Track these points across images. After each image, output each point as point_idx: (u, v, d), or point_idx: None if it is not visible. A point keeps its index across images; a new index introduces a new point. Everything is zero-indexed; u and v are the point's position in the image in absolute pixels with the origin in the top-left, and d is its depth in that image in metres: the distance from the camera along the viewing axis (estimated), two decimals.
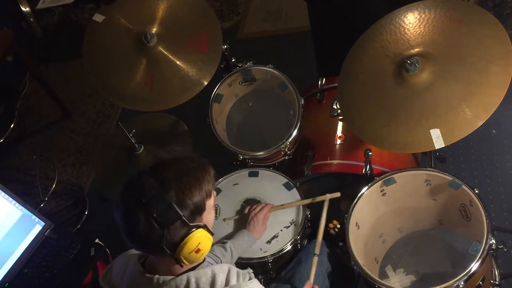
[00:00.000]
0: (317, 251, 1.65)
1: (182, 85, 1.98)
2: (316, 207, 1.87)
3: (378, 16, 1.80)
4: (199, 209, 1.13)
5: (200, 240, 1.12)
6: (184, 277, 1.14)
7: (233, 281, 1.15)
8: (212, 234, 1.17)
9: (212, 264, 1.26)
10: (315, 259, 1.63)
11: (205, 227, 1.15)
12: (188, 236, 1.10)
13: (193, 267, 1.20)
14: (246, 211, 1.80)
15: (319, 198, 1.80)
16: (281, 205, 1.82)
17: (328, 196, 1.79)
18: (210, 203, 1.18)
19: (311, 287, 1.55)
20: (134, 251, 1.30)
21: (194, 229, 1.11)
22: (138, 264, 1.21)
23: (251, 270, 1.21)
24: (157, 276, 1.16)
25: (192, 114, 2.12)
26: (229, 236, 1.73)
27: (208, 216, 1.19)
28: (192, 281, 1.13)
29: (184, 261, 1.12)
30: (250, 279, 1.18)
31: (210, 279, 1.14)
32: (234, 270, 1.18)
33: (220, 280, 1.14)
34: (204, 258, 1.23)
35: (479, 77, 1.54)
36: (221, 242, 1.67)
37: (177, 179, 1.11)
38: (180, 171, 1.13)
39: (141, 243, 1.13)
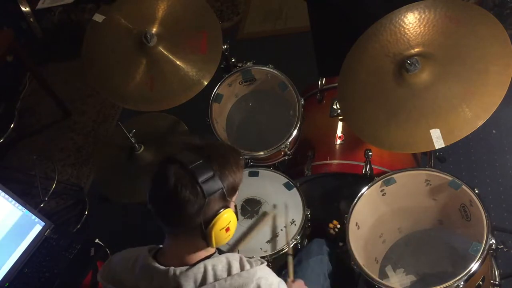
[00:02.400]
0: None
1: (182, 85, 1.98)
2: (316, 207, 1.87)
3: (378, 16, 1.80)
4: (235, 188, 1.18)
5: (231, 218, 1.15)
6: (201, 265, 1.14)
7: (247, 266, 1.16)
8: (237, 218, 1.20)
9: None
10: (290, 258, 1.64)
11: (235, 207, 1.19)
12: (223, 211, 1.13)
13: (208, 256, 1.19)
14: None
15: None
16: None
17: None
18: (239, 188, 1.21)
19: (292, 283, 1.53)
20: (139, 248, 1.27)
21: (227, 206, 1.15)
22: (150, 257, 1.19)
23: (260, 258, 1.22)
24: (172, 267, 1.15)
25: (192, 114, 2.12)
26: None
27: (233, 203, 1.22)
28: (209, 268, 1.14)
29: (213, 239, 1.14)
30: (262, 263, 1.20)
31: (226, 266, 1.15)
32: (244, 257, 1.20)
33: (235, 266, 1.15)
34: (216, 250, 1.24)
35: (479, 77, 1.54)
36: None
37: (221, 155, 1.16)
38: (218, 150, 1.19)
39: (179, 212, 1.11)
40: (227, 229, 1.15)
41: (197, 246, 1.18)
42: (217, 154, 1.16)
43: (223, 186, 1.12)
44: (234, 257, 1.18)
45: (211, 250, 1.21)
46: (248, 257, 1.21)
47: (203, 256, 1.19)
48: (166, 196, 1.11)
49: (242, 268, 1.15)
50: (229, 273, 1.14)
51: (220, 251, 1.28)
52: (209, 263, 1.15)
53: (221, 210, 1.14)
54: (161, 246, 1.23)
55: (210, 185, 1.10)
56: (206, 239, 1.15)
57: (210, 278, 1.12)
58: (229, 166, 1.15)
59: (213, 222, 1.12)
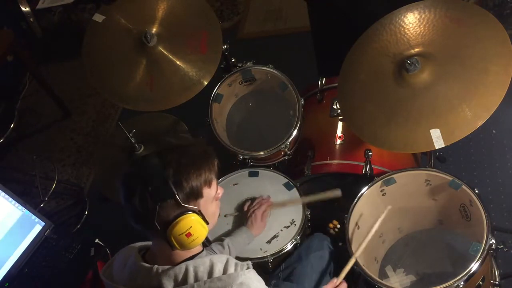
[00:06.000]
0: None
1: (182, 85, 1.98)
2: (316, 207, 1.87)
3: (378, 16, 1.80)
4: (195, 194, 1.16)
5: (192, 224, 1.14)
6: (182, 266, 1.15)
7: (231, 269, 1.16)
8: (207, 223, 1.18)
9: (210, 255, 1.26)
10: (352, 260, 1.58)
11: (199, 213, 1.17)
12: (180, 217, 1.13)
13: (192, 257, 1.20)
14: (246, 207, 1.80)
15: (320, 196, 1.79)
16: (282, 203, 1.82)
17: (330, 194, 1.77)
18: (209, 192, 1.19)
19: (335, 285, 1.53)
20: (134, 245, 1.30)
21: (187, 212, 1.14)
22: (139, 256, 1.23)
23: (250, 262, 1.22)
24: (156, 266, 1.17)
25: (192, 114, 2.12)
26: (228, 234, 1.74)
27: (208, 207, 1.20)
28: (191, 269, 1.14)
29: (175, 243, 1.14)
30: (248, 268, 1.19)
31: (208, 268, 1.15)
32: (233, 260, 1.20)
33: (218, 269, 1.15)
34: (203, 249, 1.25)
35: (479, 77, 1.54)
36: (219, 239, 1.67)
37: (178, 160, 1.15)
38: (183, 154, 1.17)
39: (136, 217, 1.15)
40: (188, 234, 1.14)
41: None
42: (179, 160, 1.15)
43: (175, 192, 1.12)
44: (219, 259, 1.18)
45: (195, 250, 1.22)
46: (241, 260, 1.21)
47: (187, 256, 1.20)
48: (124, 201, 1.16)
49: (225, 271, 1.15)
50: (210, 275, 1.14)
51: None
52: (191, 264, 1.16)
53: (184, 214, 1.14)
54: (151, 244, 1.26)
55: (161, 192, 1.11)
56: (169, 244, 1.15)
57: (191, 279, 1.14)
58: (185, 173, 1.14)
59: (171, 226, 1.13)
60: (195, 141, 1.28)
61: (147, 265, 1.18)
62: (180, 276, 1.14)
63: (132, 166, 1.19)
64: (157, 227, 1.13)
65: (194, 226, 1.14)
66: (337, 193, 1.77)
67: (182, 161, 1.15)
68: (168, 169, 1.13)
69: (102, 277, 1.29)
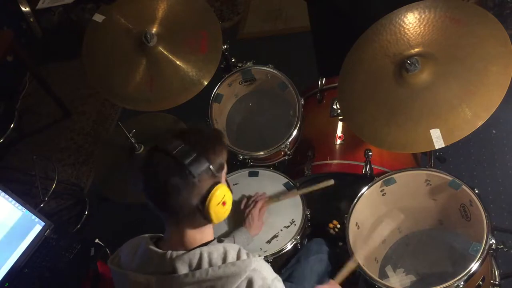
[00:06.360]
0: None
1: (182, 85, 1.98)
2: (316, 207, 1.87)
3: (378, 16, 1.80)
4: (222, 166, 1.20)
5: (225, 192, 1.18)
6: (197, 251, 1.16)
7: (244, 256, 1.18)
8: (231, 191, 1.23)
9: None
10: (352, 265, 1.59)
11: (226, 182, 1.22)
12: (216, 187, 1.16)
13: (205, 243, 1.21)
14: (242, 206, 1.81)
15: (314, 187, 1.80)
16: (277, 197, 1.82)
17: (324, 184, 1.79)
18: (225, 167, 1.23)
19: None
20: (144, 235, 1.30)
21: (218, 182, 1.18)
22: (151, 243, 1.23)
23: (259, 254, 1.23)
24: (170, 251, 1.17)
25: (192, 114, 2.12)
26: (227, 234, 1.74)
27: (223, 181, 1.23)
28: (205, 255, 1.15)
29: (212, 215, 1.16)
30: (259, 256, 1.21)
31: (222, 254, 1.16)
32: (244, 249, 1.21)
33: (231, 256, 1.17)
34: (215, 238, 1.26)
35: (479, 77, 1.54)
36: (219, 240, 1.67)
37: (203, 137, 1.19)
38: (205, 133, 1.22)
39: (174, 200, 1.14)
40: (224, 203, 1.18)
41: (195, 233, 1.21)
42: (199, 137, 1.19)
43: (209, 163, 1.15)
44: (232, 247, 1.19)
45: (209, 237, 1.24)
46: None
47: (201, 242, 1.21)
48: (158, 188, 1.15)
49: (238, 258, 1.17)
50: (224, 261, 1.15)
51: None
52: (205, 250, 1.17)
53: (218, 183, 1.17)
54: (162, 235, 1.26)
55: (196, 166, 1.13)
56: (207, 218, 1.18)
57: (205, 264, 1.14)
58: (211, 146, 1.18)
59: (208, 199, 1.15)
60: (197, 125, 1.29)
61: (160, 250, 1.19)
62: (194, 261, 1.15)
63: (153, 150, 1.18)
64: (196, 203, 1.14)
65: (227, 194, 1.19)
66: (330, 182, 1.78)
67: (205, 137, 1.20)
68: (195, 146, 1.15)
69: (110, 265, 1.29)
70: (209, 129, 1.29)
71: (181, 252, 1.17)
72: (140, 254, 1.23)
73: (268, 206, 1.81)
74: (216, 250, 1.17)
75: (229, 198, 1.20)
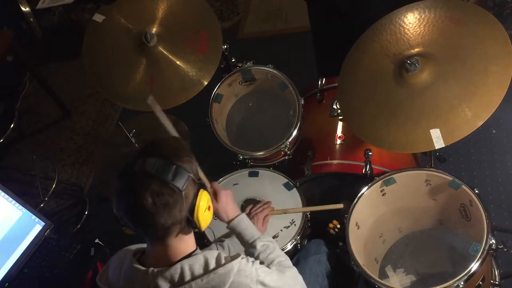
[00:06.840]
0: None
1: (182, 85, 1.98)
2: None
3: (378, 16, 1.80)
4: (197, 170, 1.21)
5: (207, 196, 1.20)
6: (177, 266, 1.16)
7: (223, 261, 1.18)
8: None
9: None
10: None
11: (203, 186, 1.22)
12: (199, 194, 1.17)
13: (187, 255, 1.20)
14: (247, 210, 1.80)
15: (324, 207, 1.80)
16: (284, 210, 1.82)
17: (333, 206, 1.80)
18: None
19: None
20: (129, 248, 1.30)
21: (199, 188, 1.18)
22: (134, 259, 1.23)
23: (242, 254, 1.24)
24: (152, 268, 1.17)
25: (192, 114, 2.12)
26: (228, 235, 1.74)
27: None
28: (186, 268, 1.15)
29: (201, 222, 1.18)
30: (237, 255, 1.21)
31: (203, 264, 1.17)
32: (223, 254, 1.21)
33: (212, 263, 1.17)
34: (197, 247, 1.25)
35: (479, 77, 1.54)
36: (219, 240, 1.67)
37: (172, 148, 1.18)
38: (171, 143, 1.22)
39: (165, 219, 1.12)
40: (209, 208, 1.20)
41: (179, 244, 1.20)
42: (167, 148, 1.18)
43: (188, 172, 1.15)
44: (211, 254, 1.19)
45: (191, 247, 1.23)
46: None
47: (183, 255, 1.20)
48: (145, 211, 1.11)
49: (218, 264, 1.17)
50: (206, 270, 1.15)
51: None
52: (186, 263, 1.16)
53: (197, 194, 1.17)
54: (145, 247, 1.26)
55: (179, 178, 1.12)
56: (196, 227, 1.18)
57: (187, 277, 1.14)
58: (183, 154, 1.17)
59: (195, 208, 1.16)
60: (155, 138, 1.28)
61: (142, 268, 1.19)
62: (176, 277, 1.15)
63: (128, 179, 1.15)
64: (186, 216, 1.14)
65: (208, 198, 1.20)
66: (339, 205, 1.78)
67: (173, 147, 1.19)
68: (171, 159, 1.14)
69: (98, 283, 1.30)
70: (168, 137, 1.30)
71: (163, 268, 1.16)
72: (124, 272, 1.23)
73: (272, 214, 1.81)
74: (198, 261, 1.17)
75: (210, 201, 1.21)
